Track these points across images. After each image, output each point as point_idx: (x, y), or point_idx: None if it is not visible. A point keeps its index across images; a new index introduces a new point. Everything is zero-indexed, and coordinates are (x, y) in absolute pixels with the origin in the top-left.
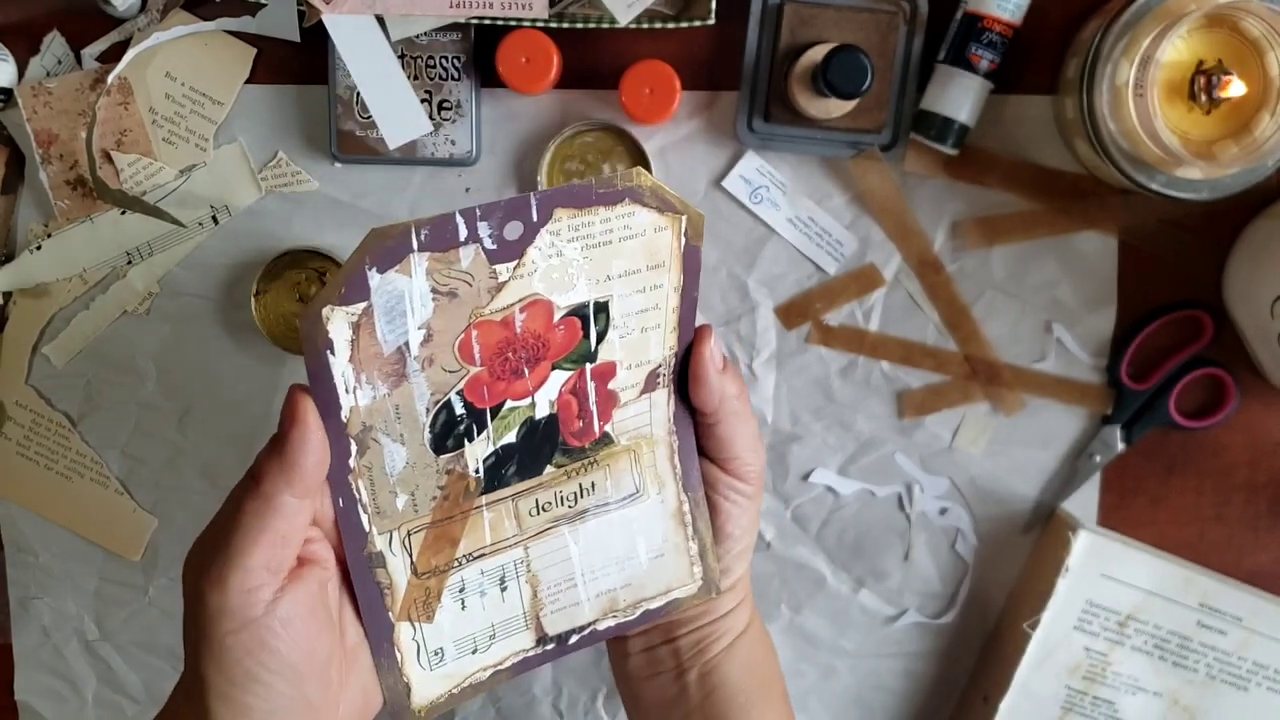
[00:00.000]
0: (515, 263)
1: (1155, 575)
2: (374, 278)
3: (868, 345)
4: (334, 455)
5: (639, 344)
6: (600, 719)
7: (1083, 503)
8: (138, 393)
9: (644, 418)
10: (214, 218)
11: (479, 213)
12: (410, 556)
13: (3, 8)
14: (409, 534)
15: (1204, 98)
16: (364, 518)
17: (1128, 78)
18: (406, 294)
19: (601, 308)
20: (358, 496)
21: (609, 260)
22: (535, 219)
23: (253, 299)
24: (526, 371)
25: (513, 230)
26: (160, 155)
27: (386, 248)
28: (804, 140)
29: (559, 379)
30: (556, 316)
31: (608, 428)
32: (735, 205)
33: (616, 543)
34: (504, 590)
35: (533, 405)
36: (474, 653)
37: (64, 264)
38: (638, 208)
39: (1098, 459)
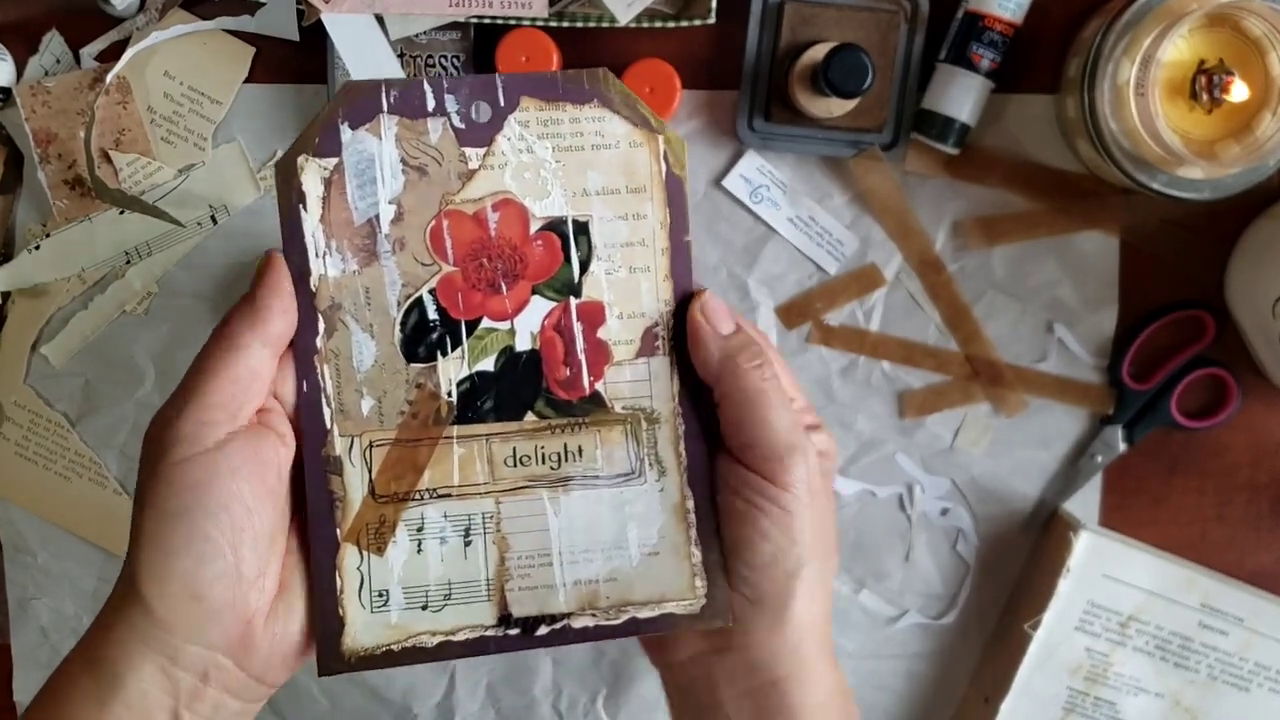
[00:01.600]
0: (485, 149)
1: (1157, 576)
2: (346, 132)
3: (868, 345)
4: (301, 326)
5: (628, 287)
6: (600, 719)
7: (1084, 503)
8: (136, 393)
9: (643, 387)
10: (213, 217)
11: (445, 85)
12: (370, 472)
13: (1, 7)
14: (371, 445)
15: (1205, 97)
16: (326, 412)
17: (1129, 77)
18: (377, 158)
19: (582, 228)
20: (322, 384)
21: (584, 170)
22: (502, 102)
23: None
24: (504, 287)
25: (481, 112)
26: (159, 155)
27: (359, 102)
28: (804, 140)
29: (541, 307)
30: (533, 227)
31: (599, 386)
32: (735, 205)
33: (604, 525)
34: (467, 544)
35: (512, 332)
36: (424, 608)
37: (62, 264)
38: (607, 113)
39: (1099, 459)
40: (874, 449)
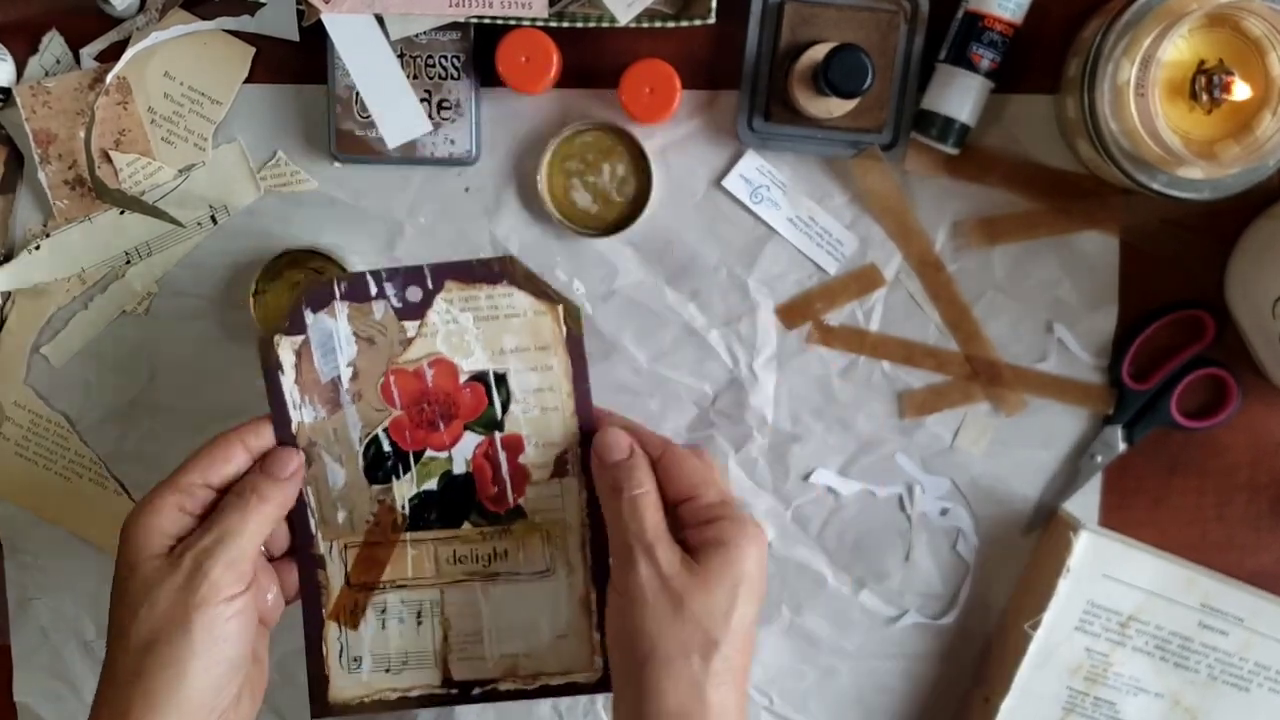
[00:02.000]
0: (419, 321)
1: (1157, 576)
2: (309, 315)
3: (868, 345)
4: None
5: (541, 423)
6: (600, 719)
7: (1084, 503)
8: (136, 393)
9: (556, 501)
10: (213, 217)
11: (384, 275)
12: (346, 566)
13: (1, 7)
14: (345, 547)
15: (1205, 97)
16: (311, 521)
17: (1129, 77)
18: (334, 333)
19: (501, 379)
20: (308, 501)
21: (500, 333)
22: (430, 286)
23: (252, 299)
24: (442, 425)
25: (414, 294)
26: (159, 155)
27: (317, 292)
28: (804, 140)
29: (472, 440)
30: (462, 379)
31: (521, 501)
32: (735, 205)
33: (523, 612)
34: (419, 624)
35: (450, 460)
36: (387, 671)
37: (63, 264)
38: (514, 290)
39: (1099, 459)
40: (874, 449)
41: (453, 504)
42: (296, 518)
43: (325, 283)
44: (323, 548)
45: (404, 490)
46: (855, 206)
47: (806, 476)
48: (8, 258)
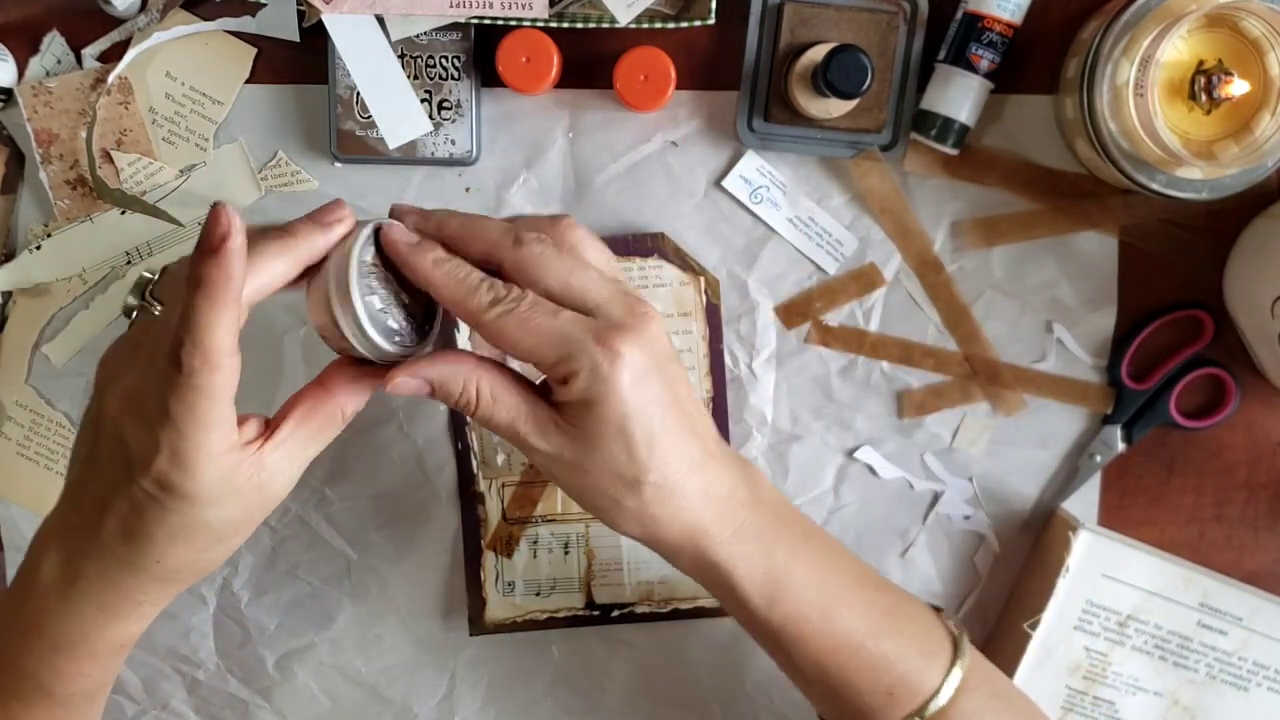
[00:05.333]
0: None
1: (1155, 575)
2: None
3: (868, 345)
4: (456, 411)
5: None
6: (600, 719)
7: (1083, 502)
8: None
9: None
10: None
11: None
12: (502, 503)
13: (2, 7)
14: (503, 485)
15: (1204, 98)
16: (474, 462)
17: (1128, 77)
18: None
19: None
20: (471, 444)
21: (649, 300)
22: None
23: None
24: None
25: None
26: (160, 155)
27: None
28: (804, 140)
29: None
30: None
31: None
32: (735, 205)
33: None
34: (567, 554)
35: None
36: (537, 595)
37: (64, 263)
38: (664, 263)
39: (1098, 459)
40: (873, 449)
41: None
42: (460, 460)
43: None
44: (483, 486)
45: None
46: (855, 207)
47: (852, 452)
48: (9, 258)
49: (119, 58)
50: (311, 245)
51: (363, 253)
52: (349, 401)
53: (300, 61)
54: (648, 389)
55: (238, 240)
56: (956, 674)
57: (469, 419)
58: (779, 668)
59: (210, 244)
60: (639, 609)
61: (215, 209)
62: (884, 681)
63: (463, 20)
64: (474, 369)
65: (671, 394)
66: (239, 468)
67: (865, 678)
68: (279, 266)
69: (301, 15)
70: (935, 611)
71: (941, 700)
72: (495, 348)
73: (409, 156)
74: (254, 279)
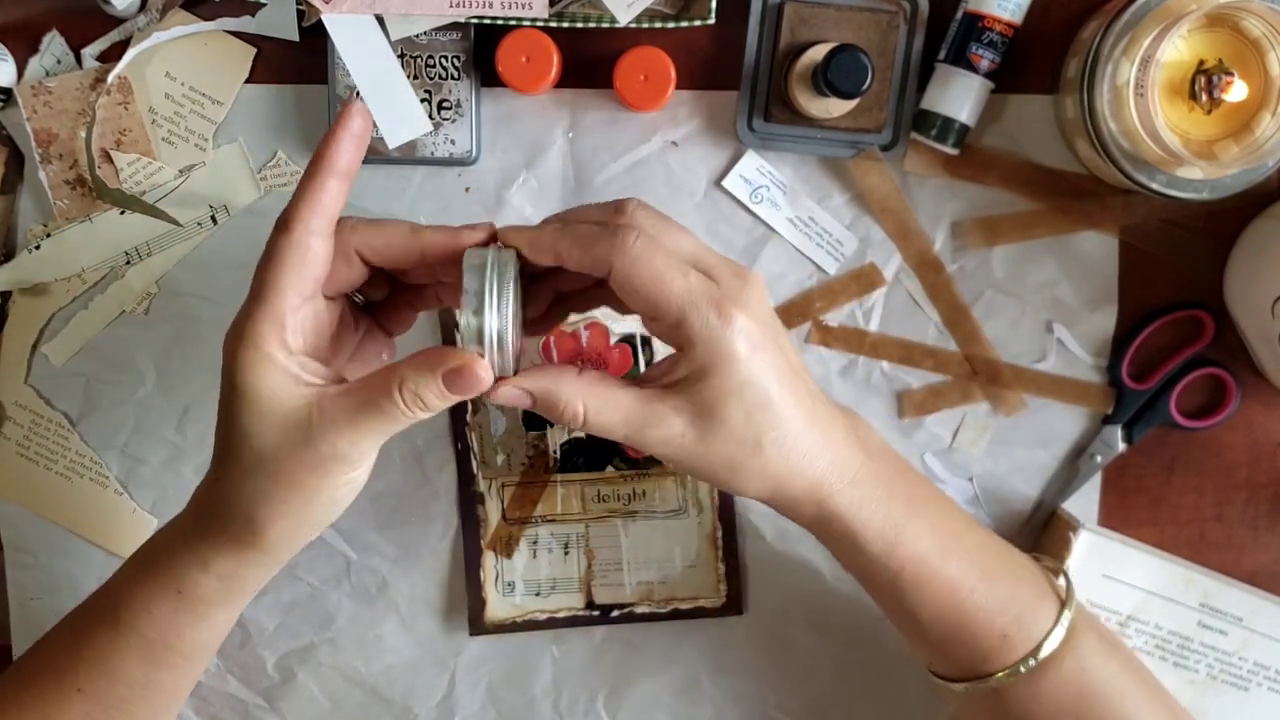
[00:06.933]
0: None
1: (1156, 575)
2: None
3: (868, 345)
4: (456, 412)
5: None
6: (600, 719)
7: (1083, 503)
8: (137, 393)
9: None
10: (213, 217)
11: None
12: (502, 504)
13: (2, 7)
14: (503, 485)
15: (1205, 97)
16: (474, 463)
17: (1128, 77)
18: None
19: (646, 341)
20: (471, 445)
21: None
22: None
23: None
24: None
25: None
26: (160, 155)
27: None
28: (804, 140)
29: None
30: (613, 340)
31: None
32: (735, 205)
33: (658, 545)
34: (566, 554)
35: None
36: (537, 595)
37: (63, 263)
38: None
39: (1098, 459)
40: None
41: (598, 450)
42: (459, 461)
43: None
44: (483, 486)
45: (556, 437)
46: (855, 206)
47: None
48: (8, 257)
49: (118, 58)
50: (437, 238)
51: (513, 266)
52: (410, 379)
53: (300, 61)
54: (762, 351)
55: (349, 127)
56: (1067, 616)
57: (467, 422)
58: (891, 620)
59: (329, 130)
60: (639, 609)
61: (348, 103)
62: (998, 624)
63: (462, 20)
64: (574, 381)
65: (781, 352)
66: (293, 387)
67: (981, 620)
68: (399, 239)
69: (301, 15)
70: (1034, 558)
71: (1054, 643)
72: (619, 292)
73: (409, 156)
74: (378, 235)
